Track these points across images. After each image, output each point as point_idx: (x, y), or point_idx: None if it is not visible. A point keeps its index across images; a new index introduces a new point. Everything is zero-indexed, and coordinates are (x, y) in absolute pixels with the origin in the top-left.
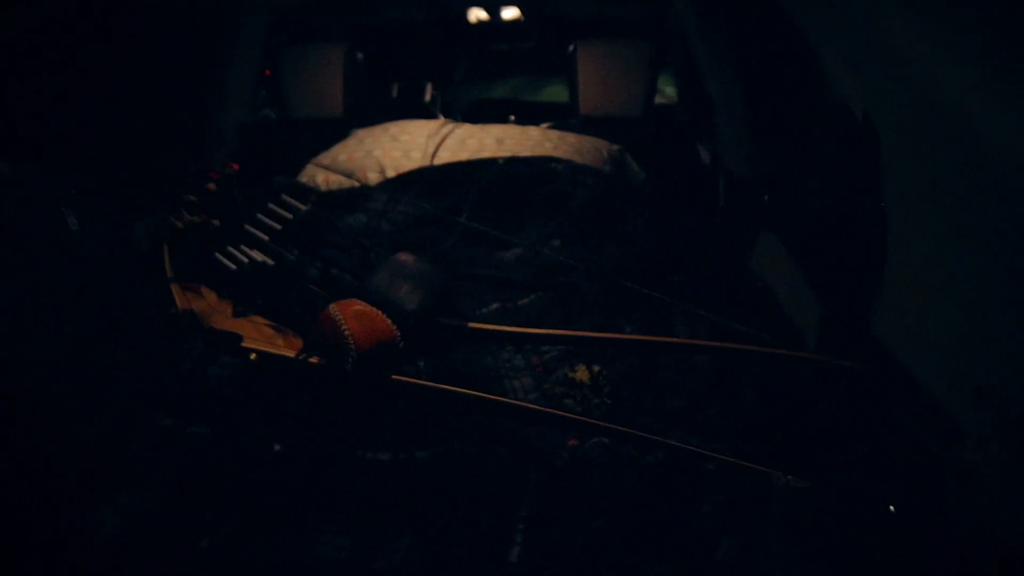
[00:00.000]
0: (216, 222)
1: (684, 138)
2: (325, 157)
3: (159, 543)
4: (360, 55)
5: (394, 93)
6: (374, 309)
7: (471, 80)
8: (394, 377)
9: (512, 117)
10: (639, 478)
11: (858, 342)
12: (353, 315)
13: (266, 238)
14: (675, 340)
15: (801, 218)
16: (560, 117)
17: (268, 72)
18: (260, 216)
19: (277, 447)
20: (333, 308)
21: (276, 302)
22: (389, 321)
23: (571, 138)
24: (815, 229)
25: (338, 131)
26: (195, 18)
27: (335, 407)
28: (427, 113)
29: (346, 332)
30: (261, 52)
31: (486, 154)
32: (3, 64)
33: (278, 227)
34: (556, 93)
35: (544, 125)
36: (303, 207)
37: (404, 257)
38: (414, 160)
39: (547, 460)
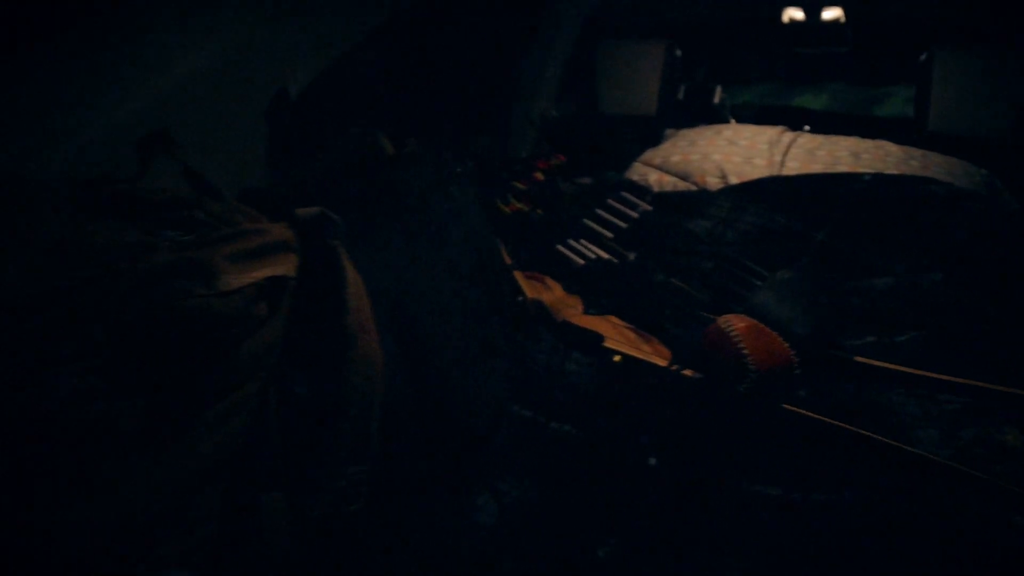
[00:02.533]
0: (539, 211)
1: None
2: (654, 156)
3: (534, 538)
4: (679, 52)
5: (680, 95)
6: (768, 328)
7: (753, 84)
8: (785, 406)
9: (807, 127)
10: None
11: None
12: (748, 331)
13: (610, 235)
14: None
15: None
16: (875, 133)
17: (577, 68)
18: (600, 212)
19: (652, 461)
20: (725, 321)
21: (625, 303)
22: (786, 344)
23: (936, 157)
24: None
25: (648, 130)
26: (518, 13)
27: (716, 428)
28: (717, 116)
29: (744, 350)
30: (572, 47)
31: (842, 168)
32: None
33: (623, 225)
34: (852, 105)
35: (876, 141)
36: (645, 207)
37: (787, 275)
38: (758, 168)
39: (987, 537)
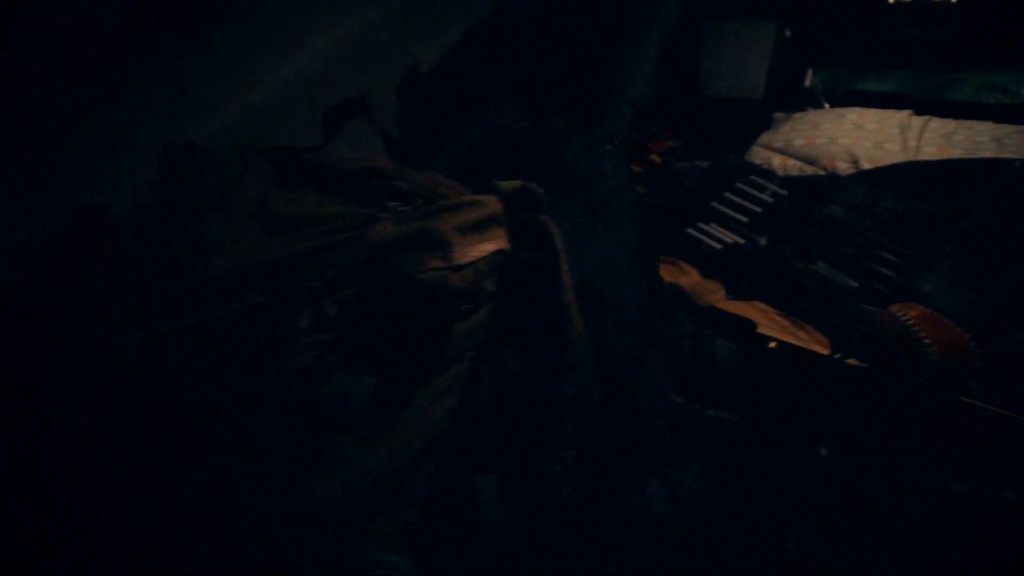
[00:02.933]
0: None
1: None
2: (774, 140)
3: (711, 526)
4: (788, 32)
5: None
6: (944, 317)
7: (833, 66)
8: (964, 399)
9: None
10: None
11: None
12: (925, 320)
13: (744, 219)
14: None
15: None
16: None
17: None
18: (729, 195)
19: (823, 451)
20: (898, 309)
21: (763, 289)
22: (965, 333)
23: None
24: None
25: (755, 114)
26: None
27: (886, 419)
28: (809, 100)
29: (925, 339)
30: (672, 27)
31: (984, 153)
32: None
33: (757, 209)
34: (922, 90)
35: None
36: (777, 190)
37: (954, 263)
38: (891, 152)
39: None
